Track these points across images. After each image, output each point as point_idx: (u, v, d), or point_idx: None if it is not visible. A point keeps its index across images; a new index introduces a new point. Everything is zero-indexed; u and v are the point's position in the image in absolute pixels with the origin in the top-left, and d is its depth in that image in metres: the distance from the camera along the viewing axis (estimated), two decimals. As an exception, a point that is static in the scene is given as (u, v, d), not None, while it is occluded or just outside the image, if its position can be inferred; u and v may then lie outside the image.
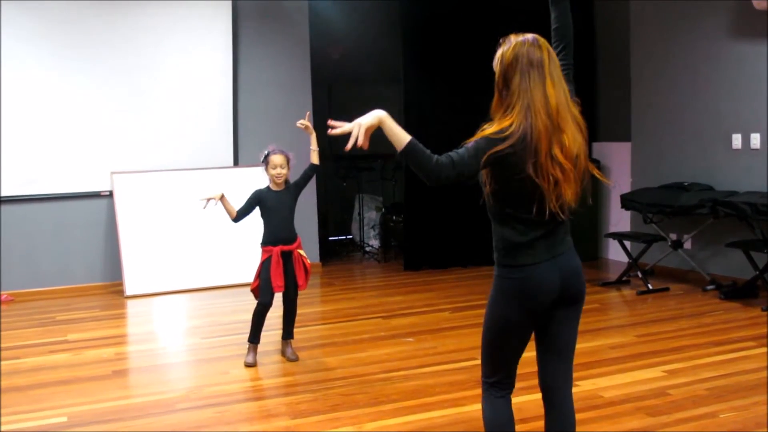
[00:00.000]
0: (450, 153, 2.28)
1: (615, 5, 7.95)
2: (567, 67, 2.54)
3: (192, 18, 7.35)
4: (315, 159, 4.73)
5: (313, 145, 4.74)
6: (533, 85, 2.30)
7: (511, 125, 2.28)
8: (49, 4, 6.79)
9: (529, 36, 2.39)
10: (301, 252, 4.69)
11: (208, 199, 4.53)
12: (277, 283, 4.56)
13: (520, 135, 2.27)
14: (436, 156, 2.28)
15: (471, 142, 2.30)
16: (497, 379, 2.51)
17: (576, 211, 2.41)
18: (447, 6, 7.73)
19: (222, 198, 4.54)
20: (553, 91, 2.31)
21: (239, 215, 4.61)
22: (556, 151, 2.28)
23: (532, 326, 2.48)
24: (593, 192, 8.22)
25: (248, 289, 4.82)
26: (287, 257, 4.62)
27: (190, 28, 7.37)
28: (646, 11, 7.29)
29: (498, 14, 7.41)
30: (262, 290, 4.60)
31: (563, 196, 2.31)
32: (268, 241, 4.63)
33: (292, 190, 4.69)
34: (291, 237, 4.66)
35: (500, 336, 2.47)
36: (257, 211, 4.67)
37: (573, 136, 2.34)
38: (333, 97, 9.49)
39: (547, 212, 2.31)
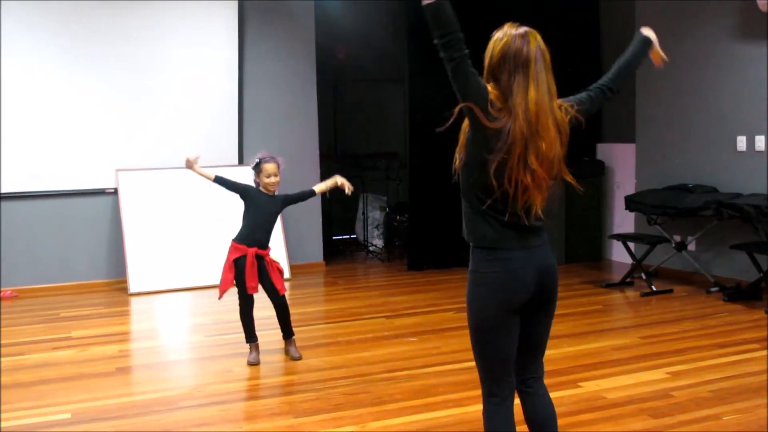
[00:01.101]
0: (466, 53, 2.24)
1: (620, 6, 7.95)
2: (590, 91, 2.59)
3: (198, 16, 7.37)
4: (318, 190, 4.82)
5: (325, 187, 4.84)
6: (516, 88, 2.28)
7: (501, 110, 2.29)
8: (56, 3, 6.81)
9: (522, 29, 2.36)
10: (272, 257, 4.68)
11: (194, 159, 4.59)
12: (250, 284, 4.55)
13: (501, 126, 2.27)
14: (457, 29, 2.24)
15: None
16: (493, 382, 2.48)
17: (541, 218, 2.39)
18: (453, 7, 7.71)
19: (195, 161, 4.60)
20: (535, 95, 2.28)
21: (219, 180, 4.59)
22: (531, 158, 2.26)
23: (513, 320, 2.42)
24: (598, 193, 8.28)
25: (237, 290, 4.72)
26: (260, 261, 4.60)
27: (196, 26, 7.38)
28: (652, 12, 7.28)
29: (504, 16, 7.39)
30: (239, 292, 4.63)
31: (531, 201, 2.30)
32: (243, 240, 4.57)
33: (280, 200, 4.68)
34: (266, 242, 4.64)
35: (485, 332, 2.43)
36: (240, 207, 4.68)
37: (551, 143, 2.30)
38: (338, 97, 9.49)
39: (508, 214, 2.31)
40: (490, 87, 2.34)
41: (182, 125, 7.37)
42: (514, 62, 2.30)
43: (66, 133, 6.99)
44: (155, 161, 7.26)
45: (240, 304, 4.67)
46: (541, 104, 2.29)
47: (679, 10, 6.97)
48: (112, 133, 7.13)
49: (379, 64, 9.20)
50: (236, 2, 7.46)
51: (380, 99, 9.91)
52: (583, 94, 2.56)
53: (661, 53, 2.71)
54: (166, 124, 7.32)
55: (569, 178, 2.41)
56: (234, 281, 4.60)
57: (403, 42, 7.83)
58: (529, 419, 2.57)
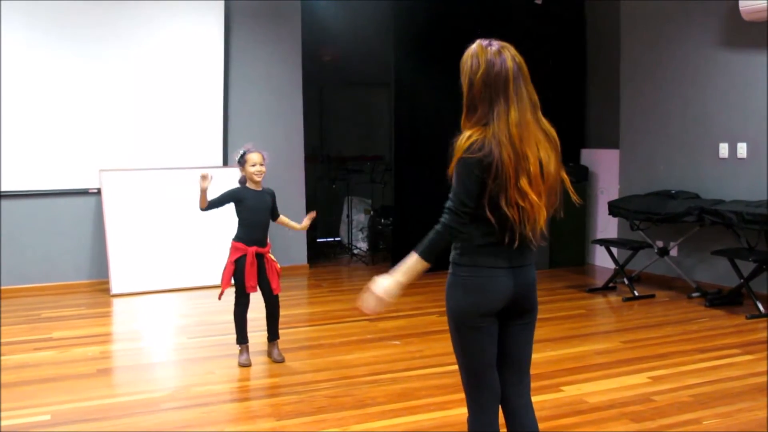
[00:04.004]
0: (447, 205, 2.33)
1: (605, 12, 8.00)
2: None
3: (184, 17, 7.34)
4: (280, 221, 4.83)
5: (287, 222, 4.86)
6: (497, 115, 2.29)
7: (477, 140, 2.28)
8: (37, 2, 6.76)
9: (494, 46, 2.34)
10: (272, 256, 4.70)
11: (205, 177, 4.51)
12: (250, 283, 4.56)
13: (488, 155, 2.26)
14: (440, 223, 2.35)
15: (453, 177, 2.32)
16: (473, 389, 2.49)
17: (544, 236, 2.41)
18: (440, 10, 7.74)
19: (208, 181, 4.53)
20: (516, 116, 2.28)
21: (210, 205, 4.58)
22: (523, 183, 2.27)
23: (490, 326, 2.43)
24: (582, 198, 8.27)
25: (234, 289, 4.71)
26: (260, 259, 4.62)
27: (182, 27, 7.35)
28: (636, 19, 7.34)
29: (491, 19, 7.42)
30: (237, 291, 4.61)
31: (534, 221, 2.32)
32: (242, 239, 4.60)
33: (268, 193, 4.70)
34: (265, 239, 4.67)
35: (462, 335, 2.44)
36: (230, 209, 4.65)
37: (547, 153, 2.33)
38: (324, 99, 9.49)
39: (517, 239, 2.32)
40: (462, 118, 2.36)
41: (166, 126, 7.34)
42: (494, 87, 2.30)
43: (49, 133, 6.93)
44: (139, 162, 7.22)
45: (236, 304, 4.65)
46: (522, 124, 2.29)
47: (663, 16, 7.03)
48: (95, 133, 7.08)
49: (366, 66, 9.21)
50: (222, 3, 7.44)
51: (366, 101, 9.92)
52: None
53: None
54: (150, 124, 7.28)
55: (568, 185, 2.43)
56: (232, 280, 4.60)
57: (389, 45, 7.84)
58: None
